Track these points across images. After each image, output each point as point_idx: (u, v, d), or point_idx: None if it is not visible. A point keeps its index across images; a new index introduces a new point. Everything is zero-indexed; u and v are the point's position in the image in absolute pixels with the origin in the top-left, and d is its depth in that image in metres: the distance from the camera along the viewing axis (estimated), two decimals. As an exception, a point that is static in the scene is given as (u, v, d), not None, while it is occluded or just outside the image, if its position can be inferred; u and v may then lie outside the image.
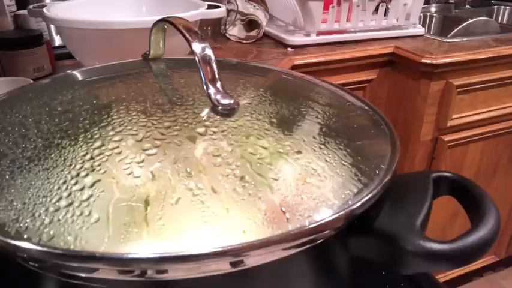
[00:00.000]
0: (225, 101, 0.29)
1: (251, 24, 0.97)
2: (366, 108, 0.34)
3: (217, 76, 0.29)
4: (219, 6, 0.72)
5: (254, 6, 0.97)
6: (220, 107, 0.28)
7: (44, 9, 0.63)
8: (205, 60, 0.29)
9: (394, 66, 0.98)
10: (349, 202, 0.23)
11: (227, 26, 0.98)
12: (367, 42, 0.98)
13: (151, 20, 0.39)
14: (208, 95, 0.29)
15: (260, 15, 0.96)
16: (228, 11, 0.96)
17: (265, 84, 0.37)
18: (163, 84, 0.36)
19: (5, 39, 0.68)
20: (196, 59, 0.29)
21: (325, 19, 0.94)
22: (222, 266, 0.20)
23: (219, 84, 0.29)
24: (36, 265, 0.21)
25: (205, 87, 0.29)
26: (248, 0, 0.97)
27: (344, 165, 0.26)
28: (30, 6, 0.69)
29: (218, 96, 0.29)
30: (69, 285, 0.21)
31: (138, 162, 0.24)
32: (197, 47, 0.30)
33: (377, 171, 0.25)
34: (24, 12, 0.76)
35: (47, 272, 0.22)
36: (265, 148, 0.26)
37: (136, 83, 0.34)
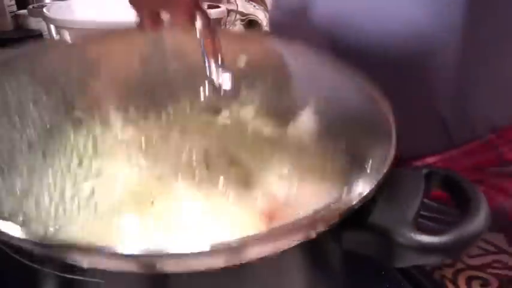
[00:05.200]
0: (226, 85, 0.28)
1: (251, 24, 0.97)
2: (364, 101, 0.34)
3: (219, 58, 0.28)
4: (219, 6, 0.72)
5: (254, 6, 0.97)
6: (221, 91, 0.28)
7: (44, 9, 0.63)
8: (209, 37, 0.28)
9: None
10: (345, 198, 0.23)
11: (227, 26, 0.98)
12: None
13: (150, 19, 0.39)
14: (210, 80, 0.28)
15: (260, 15, 0.97)
16: (228, 11, 0.96)
17: (267, 70, 0.36)
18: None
19: (5, 39, 0.68)
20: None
21: (325, 19, 0.94)
22: (218, 262, 0.20)
23: (220, 66, 0.28)
24: (32, 258, 0.22)
25: (207, 69, 0.28)
26: (248, 0, 0.97)
27: (340, 161, 0.26)
28: (30, 6, 0.69)
29: (219, 79, 0.28)
30: (66, 279, 0.22)
31: (139, 160, 0.24)
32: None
33: (373, 168, 0.25)
34: (24, 12, 0.76)
35: (43, 266, 0.22)
36: (264, 144, 0.26)
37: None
